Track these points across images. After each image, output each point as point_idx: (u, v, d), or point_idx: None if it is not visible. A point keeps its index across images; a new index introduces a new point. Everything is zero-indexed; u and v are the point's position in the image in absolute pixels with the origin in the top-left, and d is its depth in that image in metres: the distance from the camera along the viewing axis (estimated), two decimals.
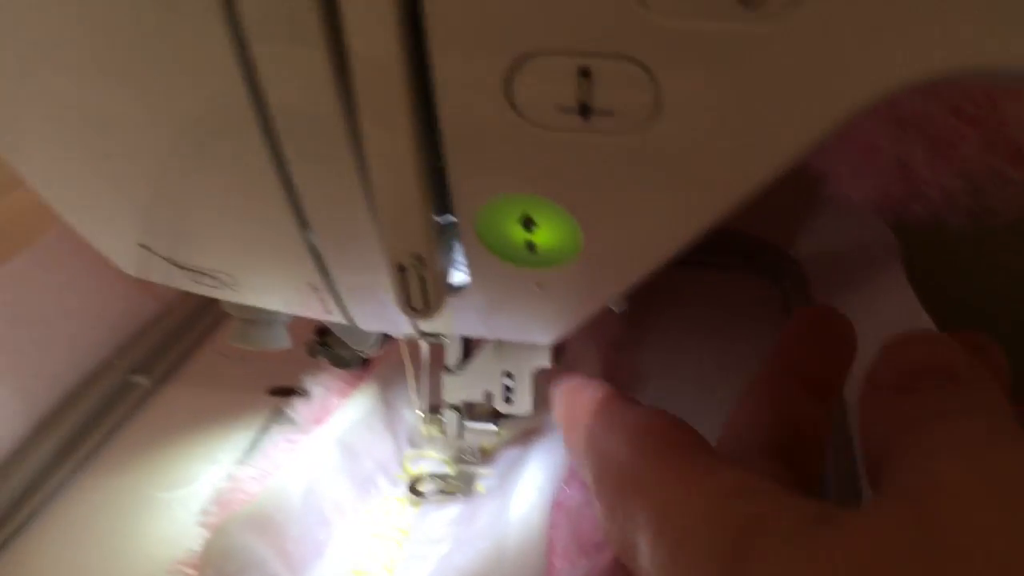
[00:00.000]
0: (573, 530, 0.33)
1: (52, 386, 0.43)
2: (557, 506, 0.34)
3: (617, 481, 0.23)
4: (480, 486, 0.39)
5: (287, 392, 0.46)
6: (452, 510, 0.38)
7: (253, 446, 0.43)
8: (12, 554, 0.37)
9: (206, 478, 0.41)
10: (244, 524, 0.33)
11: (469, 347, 0.36)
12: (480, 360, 0.35)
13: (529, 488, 0.34)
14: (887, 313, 0.42)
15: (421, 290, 0.24)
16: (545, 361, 0.34)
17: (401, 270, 0.24)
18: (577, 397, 0.28)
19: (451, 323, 0.29)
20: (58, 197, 0.28)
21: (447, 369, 0.36)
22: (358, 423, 0.39)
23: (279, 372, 0.48)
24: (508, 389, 0.36)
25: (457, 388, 0.36)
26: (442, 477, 0.39)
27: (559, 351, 0.35)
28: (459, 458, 0.40)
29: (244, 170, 0.23)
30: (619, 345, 0.47)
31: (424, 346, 0.36)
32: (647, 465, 0.22)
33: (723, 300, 0.54)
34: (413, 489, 0.39)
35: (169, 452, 0.43)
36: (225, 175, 0.24)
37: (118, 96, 0.22)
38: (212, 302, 0.53)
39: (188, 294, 0.53)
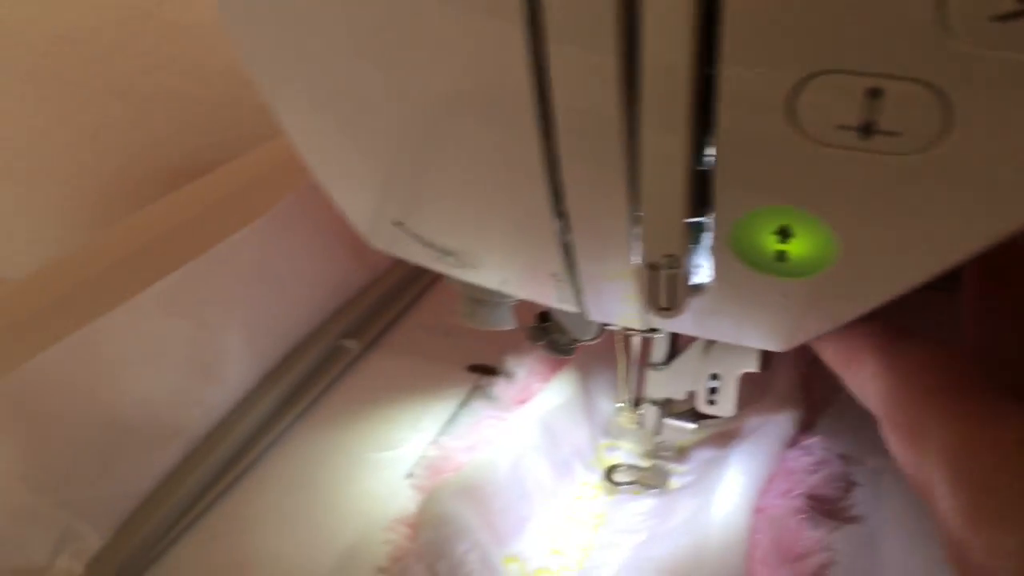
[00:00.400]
0: (775, 537, 0.33)
1: (279, 343, 0.47)
2: (758, 511, 0.34)
3: (905, 419, 0.23)
4: (673, 482, 0.40)
5: (485, 370, 0.48)
6: (646, 503, 0.39)
7: (454, 418, 0.45)
8: (238, 494, 0.41)
9: (411, 444, 0.43)
10: (456, 491, 0.35)
11: (676, 344, 0.37)
12: (686, 359, 0.36)
13: (731, 490, 0.35)
14: None
15: (669, 289, 0.25)
16: (753, 365, 0.35)
17: (653, 269, 0.25)
18: (854, 336, 0.28)
19: (683, 322, 0.30)
20: (319, 169, 0.31)
21: (652, 365, 0.37)
22: (559, 407, 0.41)
23: (477, 350, 0.50)
24: (712, 391, 0.36)
25: (661, 384, 0.37)
26: (637, 468, 0.40)
27: (767, 358, 0.35)
28: (654, 453, 0.40)
29: (510, 159, 0.25)
30: (815, 360, 0.46)
31: (636, 340, 0.36)
32: (934, 404, 0.22)
33: (930, 323, 0.52)
34: (608, 477, 0.40)
35: (376, 415, 0.46)
36: (489, 162, 0.25)
37: (383, 75, 0.24)
38: (416, 276, 0.57)
39: (396, 267, 0.56)
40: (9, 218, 0.71)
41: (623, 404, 0.39)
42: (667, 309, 0.26)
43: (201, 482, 0.40)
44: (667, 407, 0.39)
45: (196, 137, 0.74)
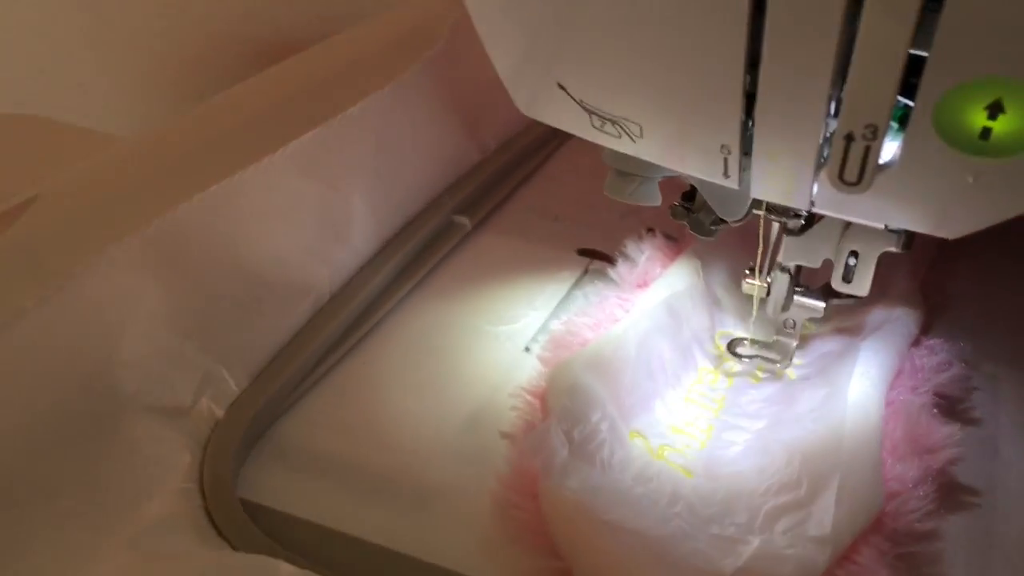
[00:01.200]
0: (906, 430, 0.33)
1: (397, 213, 0.47)
2: (888, 404, 0.34)
3: None
4: (792, 373, 0.40)
5: (595, 255, 0.48)
6: (766, 390, 0.39)
7: (567, 299, 0.45)
8: (363, 354, 0.42)
9: (527, 320, 0.44)
10: (586, 364, 0.36)
11: (814, 215, 0.36)
12: (824, 226, 0.35)
13: (863, 381, 0.35)
14: None
15: (860, 163, 0.25)
16: (895, 245, 0.34)
17: (848, 139, 0.24)
18: None
19: (852, 203, 0.30)
20: (483, 20, 0.30)
21: (789, 231, 0.36)
22: (681, 292, 0.41)
23: (585, 234, 0.50)
24: (848, 267, 0.36)
25: (797, 250, 0.37)
26: (760, 343, 0.40)
27: (909, 239, 0.34)
28: (779, 329, 0.40)
29: (708, 19, 0.24)
30: (933, 265, 0.46)
31: (776, 226, 0.36)
32: None
33: None
34: (731, 350, 0.40)
35: (489, 292, 0.46)
36: (683, 21, 0.25)
37: None
38: (525, 159, 0.57)
39: (505, 148, 0.56)
40: (120, 75, 0.72)
41: (750, 272, 0.39)
42: (854, 184, 0.25)
43: (330, 339, 0.41)
44: (797, 279, 0.38)
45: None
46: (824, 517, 0.30)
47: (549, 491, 0.31)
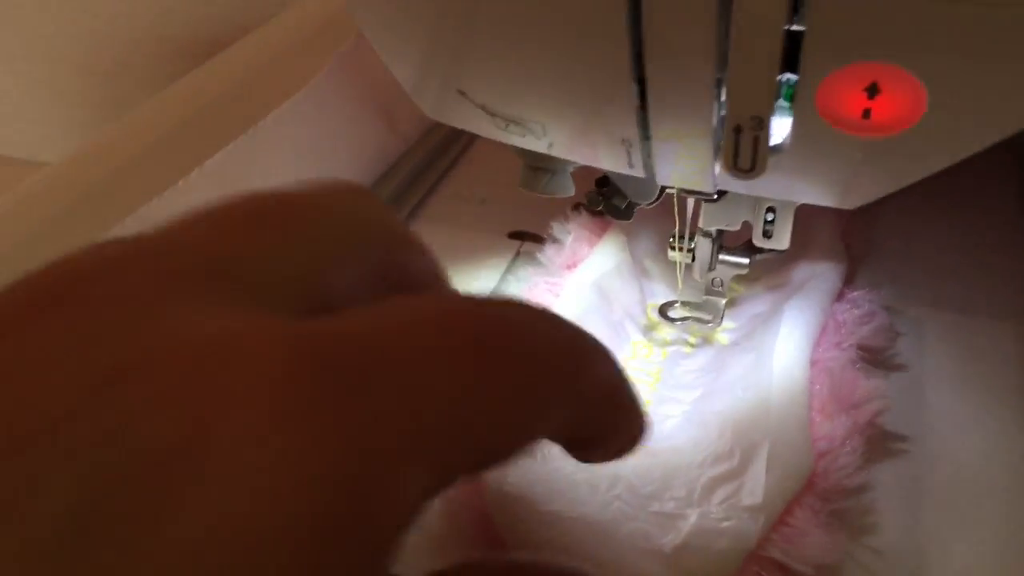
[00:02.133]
0: (832, 388, 0.34)
1: None
2: (813, 363, 0.35)
3: None
4: (724, 338, 0.41)
5: (527, 237, 0.49)
6: (699, 358, 0.40)
7: (500, 285, 0.46)
8: None
9: None
10: None
11: None
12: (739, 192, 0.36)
13: (788, 343, 0.36)
14: None
15: (752, 151, 0.25)
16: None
17: (737, 131, 0.25)
18: None
19: (751, 183, 0.30)
20: (376, 38, 0.30)
21: (706, 198, 0.37)
22: (609, 271, 0.41)
23: (514, 216, 0.50)
24: (768, 223, 0.37)
25: (716, 215, 0.38)
26: (691, 304, 0.41)
27: None
28: (708, 290, 0.41)
29: (589, 16, 0.24)
30: (853, 215, 0.47)
31: (691, 201, 0.37)
32: None
33: (963, 172, 0.53)
34: (663, 313, 0.41)
35: None
36: (568, 24, 0.25)
37: None
38: (448, 145, 0.57)
39: (427, 137, 0.56)
40: (37, 102, 0.70)
41: (674, 239, 0.39)
42: (748, 171, 0.26)
43: None
44: (719, 241, 0.39)
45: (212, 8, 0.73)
46: (756, 486, 0.31)
47: (491, 486, 0.32)
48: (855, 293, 0.40)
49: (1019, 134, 0.52)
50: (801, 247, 0.42)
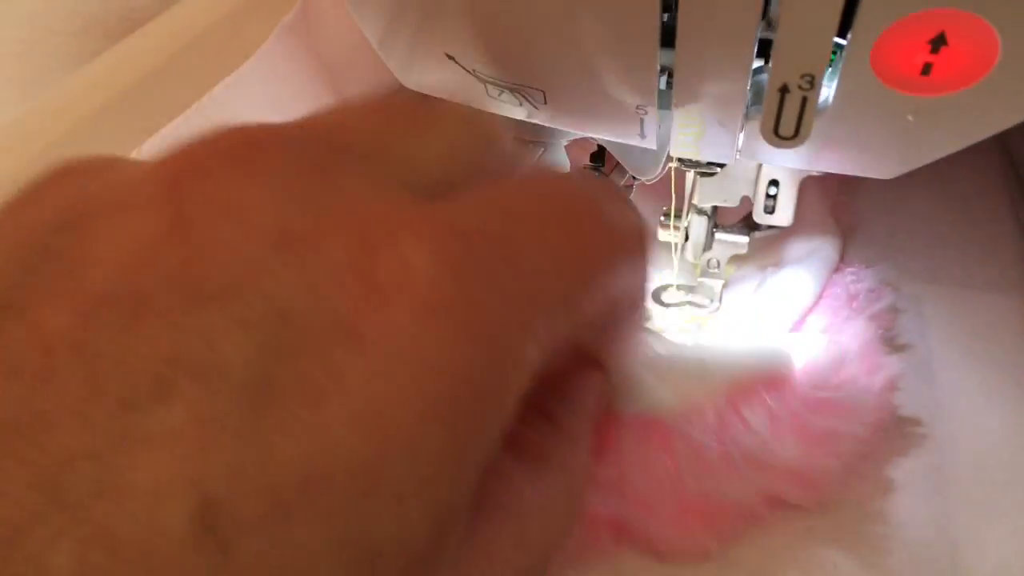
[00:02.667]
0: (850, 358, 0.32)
1: None
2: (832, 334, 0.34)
3: None
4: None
5: None
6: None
7: None
8: None
9: None
10: None
11: None
12: (739, 164, 0.34)
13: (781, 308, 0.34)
14: None
15: (797, 116, 0.23)
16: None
17: (783, 91, 0.22)
18: None
19: (781, 153, 0.27)
20: None
21: (702, 171, 0.34)
22: None
23: None
24: (771, 197, 0.34)
25: (713, 191, 0.35)
26: (686, 287, 0.39)
27: None
28: (703, 271, 0.39)
29: None
30: (842, 189, 0.45)
31: (690, 175, 0.34)
32: None
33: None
34: (656, 298, 0.38)
35: None
36: None
37: None
38: None
39: None
40: None
41: (664, 218, 0.37)
42: (790, 138, 0.23)
43: None
44: (715, 218, 0.37)
45: None
46: None
47: None
48: (855, 268, 0.38)
49: None
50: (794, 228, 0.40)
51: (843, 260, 0.40)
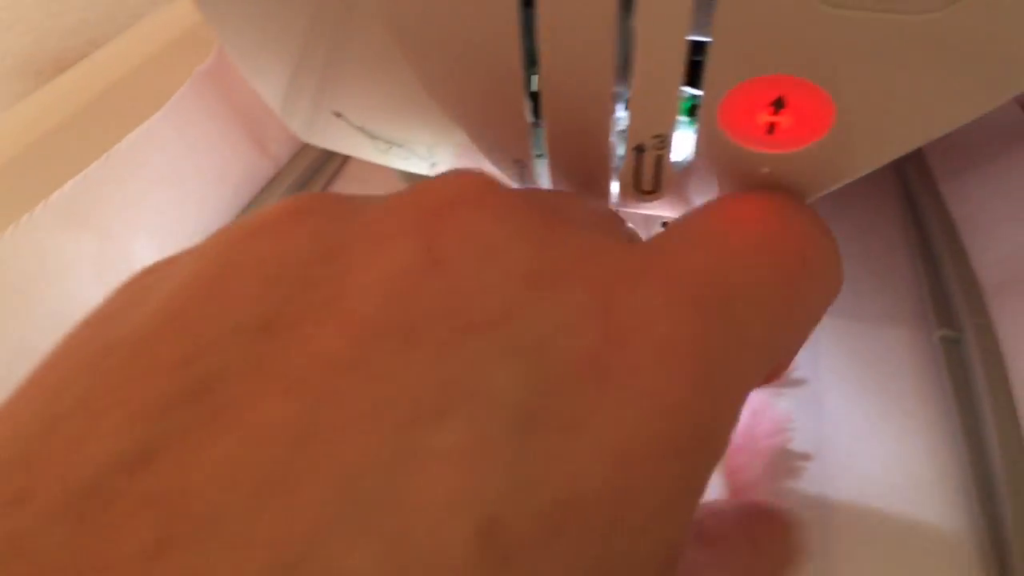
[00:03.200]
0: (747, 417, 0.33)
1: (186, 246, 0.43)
2: None
3: None
4: None
5: None
6: None
7: None
8: None
9: None
10: None
11: None
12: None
13: None
14: None
15: (654, 172, 0.24)
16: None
17: (638, 150, 0.23)
18: None
19: (654, 204, 0.29)
20: (242, 59, 0.28)
21: None
22: None
23: None
24: None
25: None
26: None
27: None
28: None
29: (477, 28, 0.22)
30: None
31: None
32: None
33: None
34: None
35: None
36: (457, 38, 0.23)
37: None
38: (322, 165, 0.54)
39: (299, 156, 0.53)
40: None
41: None
42: (650, 192, 0.25)
43: None
44: None
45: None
46: None
47: None
48: None
49: None
50: None
51: None
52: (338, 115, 0.28)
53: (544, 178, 0.28)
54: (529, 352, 0.13)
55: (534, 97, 0.24)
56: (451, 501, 0.12)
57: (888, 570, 0.31)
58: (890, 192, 0.51)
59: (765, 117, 0.23)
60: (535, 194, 0.19)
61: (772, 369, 0.19)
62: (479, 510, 0.12)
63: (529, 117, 0.25)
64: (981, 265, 0.43)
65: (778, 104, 0.22)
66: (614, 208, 0.28)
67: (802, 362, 0.39)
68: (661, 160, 0.23)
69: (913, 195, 0.50)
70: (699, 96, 0.23)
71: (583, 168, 0.27)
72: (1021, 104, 0.49)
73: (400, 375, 0.13)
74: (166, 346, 0.13)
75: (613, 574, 0.13)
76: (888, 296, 0.43)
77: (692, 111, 0.24)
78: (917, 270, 0.45)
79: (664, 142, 0.23)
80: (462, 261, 0.14)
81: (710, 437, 0.15)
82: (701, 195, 0.27)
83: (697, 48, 0.21)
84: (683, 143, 0.25)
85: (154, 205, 0.41)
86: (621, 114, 0.25)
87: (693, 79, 0.22)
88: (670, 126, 0.23)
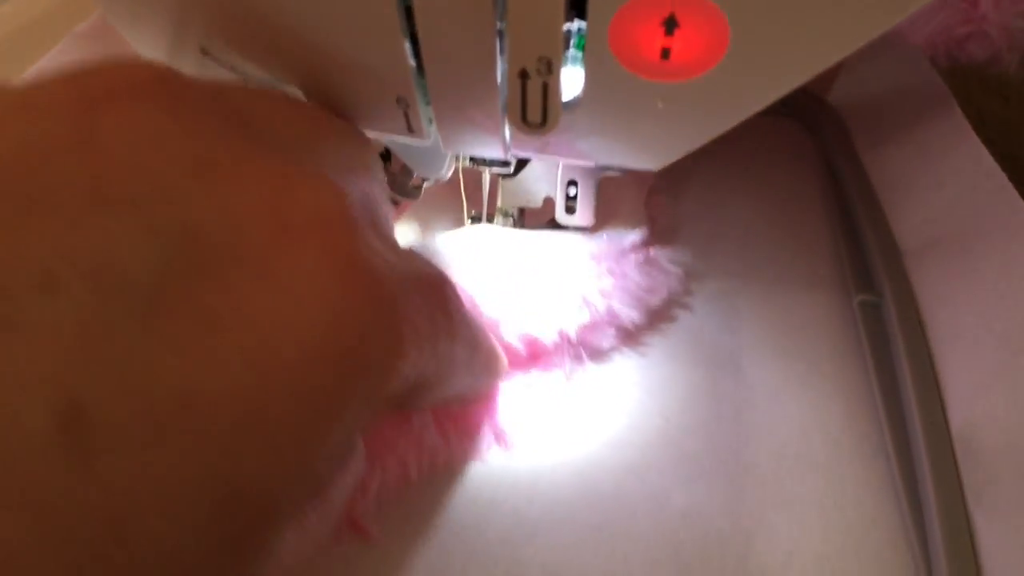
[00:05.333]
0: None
1: None
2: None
3: None
4: None
5: None
6: None
7: None
8: None
9: None
10: None
11: (526, 160, 0.34)
12: (538, 164, 0.33)
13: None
14: (953, 162, 0.41)
15: (541, 101, 0.22)
16: (613, 170, 0.33)
17: (523, 77, 0.22)
18: None
19: (547, 144, 0.27)
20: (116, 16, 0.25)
21: (503, 174, 0.34)
22: None
23: None
24: (570, 198, 0.34)
25: (516, 192, 0.34)
26: None
27: None
28: None
29: None
30: (657, 189, 0.45)
31: (486, 176, 0.33)
32: None
33: (759, 146, 0.52)
34: None
35: None
36: None
37: None
38: None
39: None
40: None
41: (473, 220, 0.36)
42: (540, 125, 0.23)
43: None
44: (521, 221, 0.36)
45: None
46: None
47: None
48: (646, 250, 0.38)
49: (817, 114, 0.52)
50: (604, 219, 0.40)
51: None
52: (205, 53, 0.25)
53: (435, 121, 0.26)
54: (177, 234, 0.13)
55: (414, 38, 0.22)
56: (28, 379, 0.11)
57: (804, 533, 0.29)
58: (812, 162, 0.50)
59: (659, 40, 0.21)
60: (227, 94, 0.17)
61: None
62: (58, 393, 0.11)
63: (410, 59, 0.23)
64: (900, 230, 0.42)
65: (670, 24, 0.21)
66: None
67: (719, 325, 0.38)
68: (548, 88, 0.22)
69: (835, 164, 0.49)
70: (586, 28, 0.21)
71: (471, 111, 0.25)
72: (941, 72, 0.48)
73: (21, 243, 0.12)
74: None
75: (235, 486, 0.12)
76: (809, 263, 0.42)
77: (583, 44, 0.22)
78: (837, 237, 0.44)
79: (550, 66, 0.21)
80: (121, 146, 0.14)
81: (373, 358, 0.15)
82: (594, 135, 0.25)
83: None
84: (577, 80, 0.24)
85: None
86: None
87: (581, 8, 0.21)
88: (554, 48, 0.21)
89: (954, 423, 0.32)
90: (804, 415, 0.34)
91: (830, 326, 0.38)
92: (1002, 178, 0.37)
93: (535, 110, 0.22)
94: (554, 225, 0.35)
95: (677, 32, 0.21)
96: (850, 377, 0.36)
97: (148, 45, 0.27)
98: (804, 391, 0.35)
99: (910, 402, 0.33)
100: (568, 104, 0.24)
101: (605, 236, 0.36)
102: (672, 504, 0.30)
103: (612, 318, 0.34)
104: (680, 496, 0.30)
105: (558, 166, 0.33)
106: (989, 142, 0.41)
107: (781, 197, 0.47)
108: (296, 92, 0.26)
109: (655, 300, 0.36)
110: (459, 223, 0.38)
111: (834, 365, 0.36)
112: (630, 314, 0.34)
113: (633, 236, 0.37)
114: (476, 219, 0.36)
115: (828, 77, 0.55)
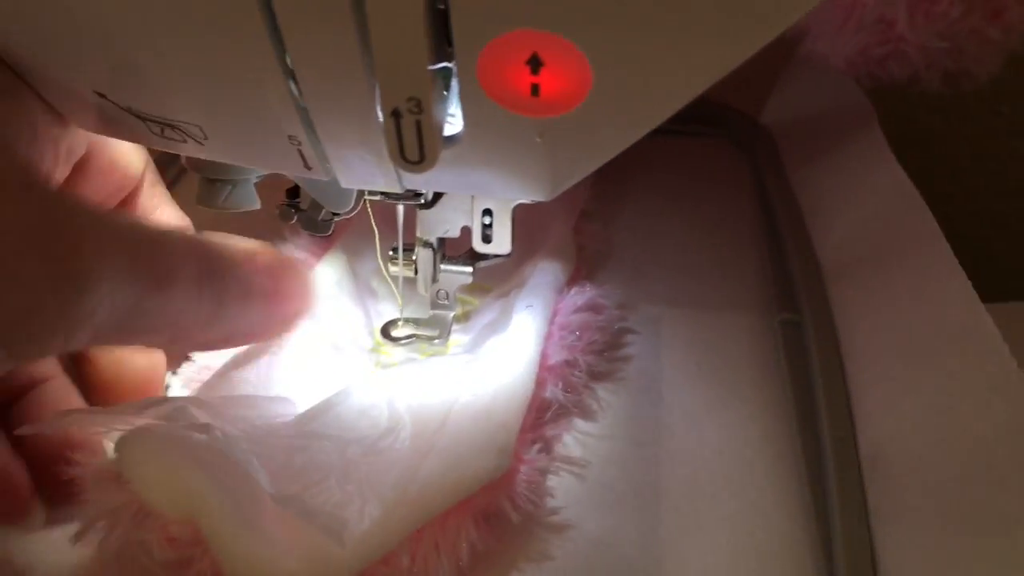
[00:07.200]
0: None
1: None
2: (548, 369, 0.34)
3: None
4: (449, 346, 0.38)
5: None
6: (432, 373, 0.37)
7: None
8: None
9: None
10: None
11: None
12: (453, 195, 0.34)
13: (509, 347, 0.33)
14: (872, 181, 0.42)
15: (417, 139, 0.22)
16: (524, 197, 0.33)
17: (395, 116, 0.22)
18: None
19: (442, 179, 0.27)
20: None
21: (420, 205, 0.34)
22: (329, 294, 0.38)
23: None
24: (487, 227, 0.34)
25: (433, 223, 0.35)
26: (415, 321, 0.38)
27: None
28: (434, 303, 0.38)
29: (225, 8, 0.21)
30: (589, 214, 0.45)
31: (400, 209, 0.34)
32: None
33: (693, 168, 0.53)
34: (385, 334, 0.38)
35: None
36: (203, 14, 0.21)
37: None
38: (166, 164, 0.51)
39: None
40: None
41: (393, 253, 0.37)
42: (418, 162, 0.23)
43: None
44: (442, 250, 0.37)
45: None
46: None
47: None
48: (578, 288, 0.38)
49: (750, 135, 0.53)
50: (532, 249, 0.40)
51: (582, 281, 0.40)
52: (101, 96, 0.26)
53: (328, 158, 0.26)
54: None
55: (294, 77, 0.23)
56: None
57: (715, 558, 0.30)
58: (744, 182, 0.51)
59: (527, 77, 0.22)
60: None
61: None
62: None
63: (294, 97, 0.23)
64: (822, 249, 0.43)
65: (535, 63, 0.21)
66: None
67: (643, 352, 0.38)
68: (422, 126, 0.22)
69: (764, 185, 0.50)
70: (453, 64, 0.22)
71: (358, 148, 0.25)
72: (865, 89, 0.49)
73: None
74: None
75: None
76: (734, 284, 0.43)
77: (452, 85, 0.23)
78: (764, 258, 0.45)
79: (420, 105, 0.21)
80: None
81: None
82: (480, 168, 0.26)
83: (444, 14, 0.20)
84: (457, 118, 0.24)
85: None
86: None
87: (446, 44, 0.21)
88: (422, 88, 0.21)
89: (862, 442, 0.32)
90: (721, 438, 0.34)
91: (753, 348, 0.39)
92: (916, 197, 0.38)
93: (411, 148, 0.23)
94: (473, 255, 0.36)
95: (543, 70, 0.21)
96: (769, 398, 0.36)
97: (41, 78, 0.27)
98: (723, 414, 0.35)
99: (822, 421, 0.33)
100: (452, 139, 0.25)
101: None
102: (585, 533, 0.30)
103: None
104: (592, 525, 0.31)
105: (472, 197, 0.34)
106: (911, 159, 0.42)
107: (713, 219, 0.48)
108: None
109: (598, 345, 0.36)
110: (386, 250, 0.38)
111: (754, 387, 0.37)
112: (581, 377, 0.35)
113: (557, 271, 0.38)
114: (396, 251, 0.36)
115: (761, 97, 0.56)
